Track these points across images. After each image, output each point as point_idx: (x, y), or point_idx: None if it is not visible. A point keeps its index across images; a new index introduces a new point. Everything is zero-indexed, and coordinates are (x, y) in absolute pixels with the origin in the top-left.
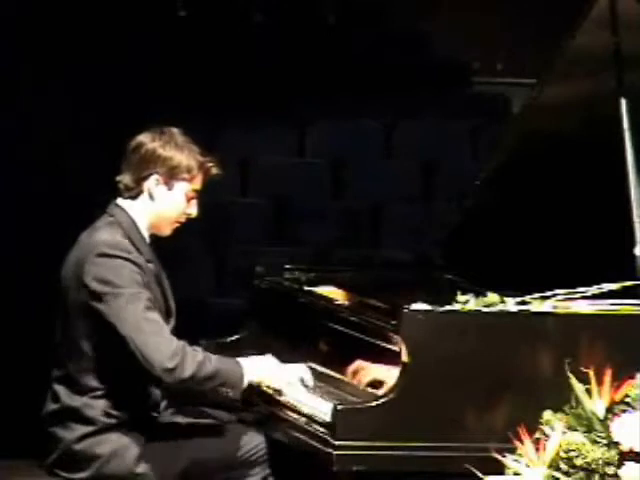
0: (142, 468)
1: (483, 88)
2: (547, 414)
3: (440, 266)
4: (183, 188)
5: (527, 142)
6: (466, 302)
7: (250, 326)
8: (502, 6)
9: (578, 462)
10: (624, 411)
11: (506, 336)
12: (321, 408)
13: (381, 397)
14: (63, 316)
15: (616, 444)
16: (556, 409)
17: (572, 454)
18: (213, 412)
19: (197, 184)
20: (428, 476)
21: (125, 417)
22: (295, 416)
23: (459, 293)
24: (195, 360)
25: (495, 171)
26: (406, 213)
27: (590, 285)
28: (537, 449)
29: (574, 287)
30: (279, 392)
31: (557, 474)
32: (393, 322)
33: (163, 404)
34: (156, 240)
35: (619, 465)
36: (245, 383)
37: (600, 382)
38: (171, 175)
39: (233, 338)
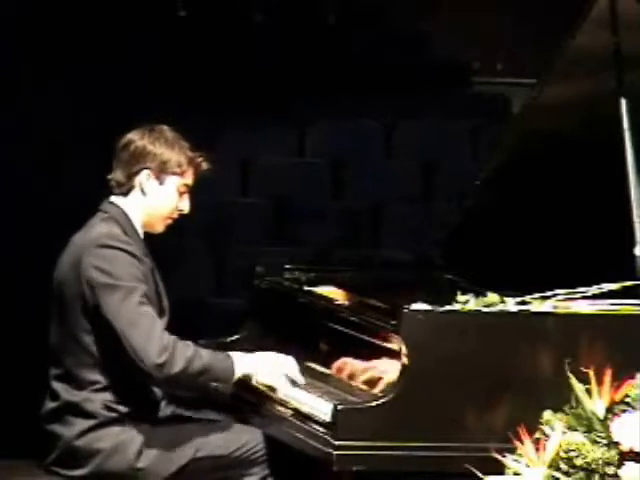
0: (142, 463)
1: (483, 88)
2: (547, 414)
3: (440, 266)
4: (174, 182)
5: (527, 142)
6: (466, 302)
7: (250, 326)
8: (502, 6)
9: (578, 462)
10: (624, 411)
11: (506, 336)
12: (321, 408)
13: (381, 397)
14: (59, 315)
15: (616, 444)
16: (556, 409)
17: (572, 454)
18: (213, 411)
19: (188, 179)
20: (428, 476)
21: (126, 411)
22: (295, 416)
23: (459, 293)
24: (185, 355)
25: (495, 171)
26: (406, 213)
27: (590, 285)
28: (537, 449)
29: (574, 287)
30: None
31: (557, 474)
32: (393, 322)
33: (163, 403)
34: (149, 237)
35: (619, 465)
36: (235, 377)
37: (600, 382)
38: (162, 169)
39: (233, 338)
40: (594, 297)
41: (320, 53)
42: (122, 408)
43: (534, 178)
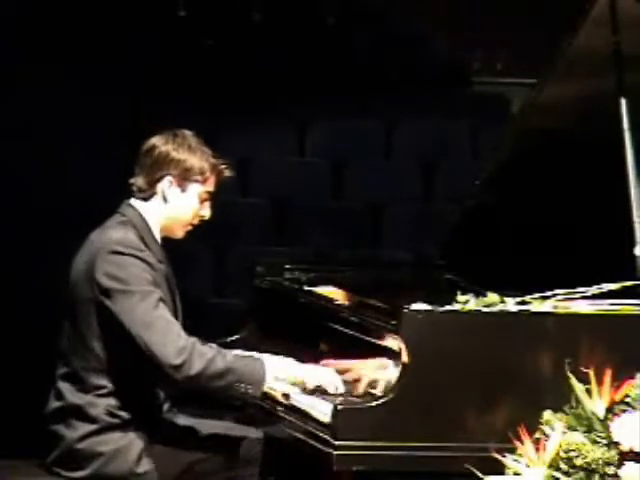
0: (143, 468)
1: (483, 88)
2: (547, 414)
3: (440, 266)
4: (196, 190)
5: (527, 142)
6: (466, 302)
7: (250, 326)
8: (502, 6)
9: (578, 462)
10: (624, 411)
11: (506, 336)
12: (321, 408)
13: (381, 397)
14: (71, 315)
15: (616, 444)
16: (556, 409)
17: (572, 454)
18: (213, 412)
19: (210, 186)
20: (428, 476)
21: (128, 417)
22: (295, 416)
23: (459, 293)
24: (204, 357)
25: (495, 171)
26: (406, 213)
27: (590, 285)
28: (537, 449)
29: (574, 287)
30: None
31: (557, 474)
32: (393, 322)
33: (166, 406)
34: (165, 242)
35: (619, 465)
36: (267, 380)
37: (600, 382)
38: (184, 177)
39: (233, 338)
40: (594, 297)
41: (320, 53)
42: (125, 414)
43: (534, 178)
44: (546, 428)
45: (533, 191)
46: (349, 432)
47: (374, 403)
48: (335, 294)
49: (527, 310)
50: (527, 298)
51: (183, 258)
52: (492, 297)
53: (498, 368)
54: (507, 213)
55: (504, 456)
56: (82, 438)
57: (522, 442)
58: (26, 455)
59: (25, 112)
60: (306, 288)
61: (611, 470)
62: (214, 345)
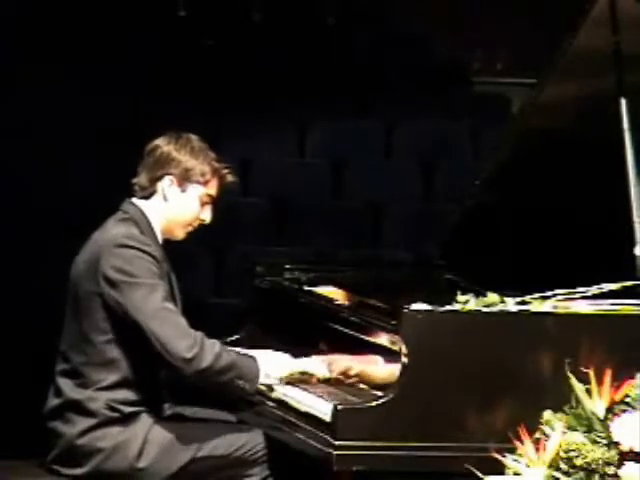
0: (143, 463)
1: (483, 88)
2: (547, 414)
3: (440, 266)
4: (197, 191)
5: (527, 142)
6: (466, 302)
7: (250, 326)
8: (502, 6)
9: (578, 462)
10: (624, 411)
11: (506, 336)
12: (321, 408)
13: (381, 397)
14: (72, 313)
15: (616, 444)
16: (556, 409)
17: (572, 454)
18: (214, 411)
19: (212, 189)
20: (428, 476)
21: (128, 411)
22: (295, 416)
23: (459, 293)
24: (213, 351)
25: (495, 171)
26: (406, 213)
27: (590, 285)
28: (537, 449)
29: (574, 287)
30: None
31: (557, 474)
32: (393, 322)
33: (167, 405)
34: (165, 243)
35: (619, 465)
36: (261, 377)
37: (600, 382)
38: (185, 177)
39: (233, 338)
40: (594, 297)
41: (320, 53)
42: (125, 408)
43: (534, 178)
44: (546, 428)
45: (533, 191)
46: (349, 432)
47: (374, 403)
48: (335, 294)
49: (527, 310)
50: (527, 298)
51: (183, 258)
52: (492, 297)
53: (498, 368)
54: (507, 213)
55: (504, 456)
56: (81, 434)
57: (522, 442)
58: (26, 455)
59: (25, 112)
60: (306, 288)
61: (611, 470)
62: (216, 341)
